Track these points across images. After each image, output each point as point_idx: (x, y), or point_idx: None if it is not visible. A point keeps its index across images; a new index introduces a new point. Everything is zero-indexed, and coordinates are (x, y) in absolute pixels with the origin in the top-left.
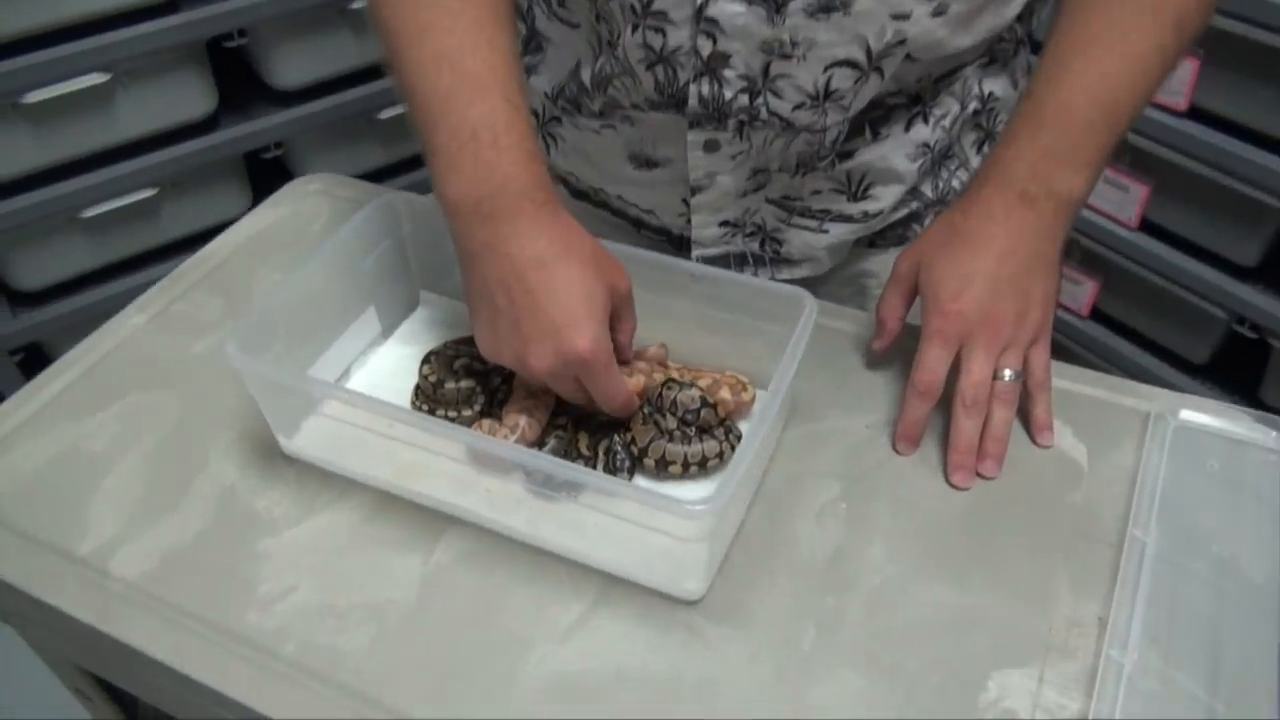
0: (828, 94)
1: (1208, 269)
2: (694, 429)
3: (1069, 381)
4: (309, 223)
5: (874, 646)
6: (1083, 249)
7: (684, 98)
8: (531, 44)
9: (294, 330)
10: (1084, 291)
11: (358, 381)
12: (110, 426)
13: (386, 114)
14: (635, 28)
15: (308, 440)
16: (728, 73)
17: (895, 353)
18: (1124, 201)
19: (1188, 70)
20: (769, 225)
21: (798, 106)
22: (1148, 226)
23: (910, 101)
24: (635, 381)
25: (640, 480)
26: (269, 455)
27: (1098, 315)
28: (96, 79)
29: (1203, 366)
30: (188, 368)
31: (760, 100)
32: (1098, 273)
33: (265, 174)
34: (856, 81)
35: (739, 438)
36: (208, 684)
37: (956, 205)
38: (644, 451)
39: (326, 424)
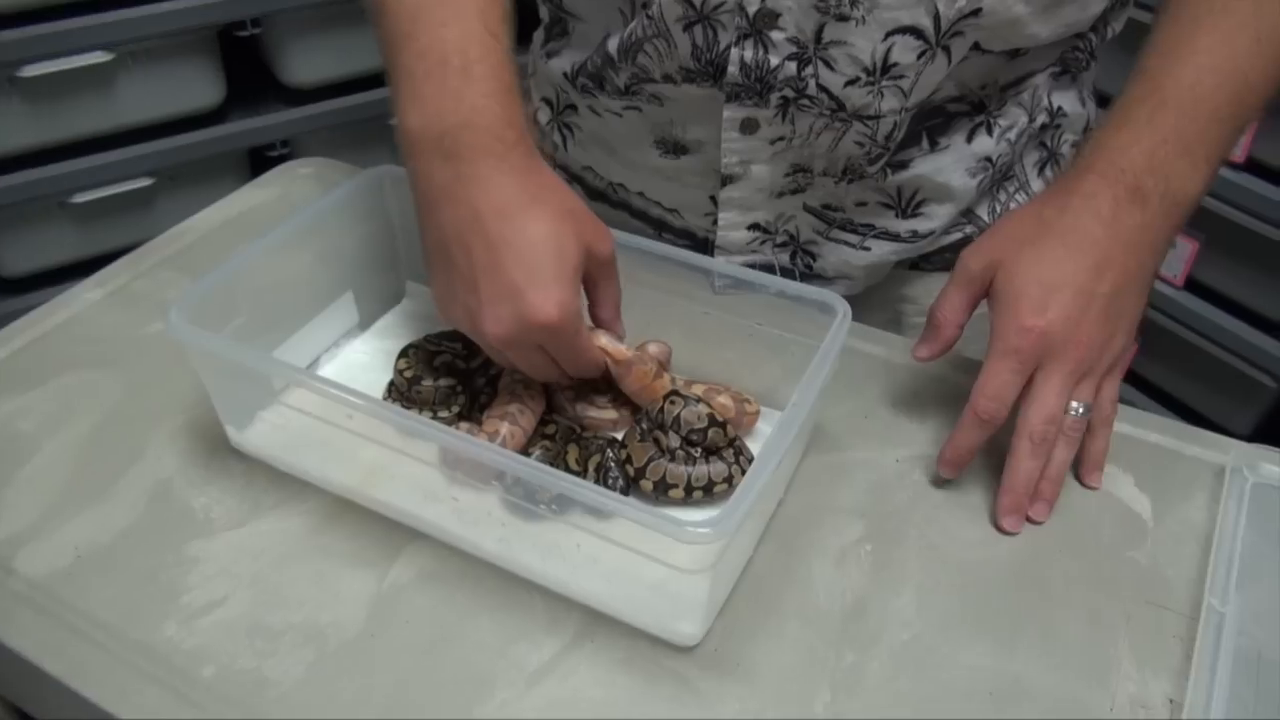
0: (886, 68)
1: (1257, 333)
2: (699, 449)
3: (1129, 425)
4: (296, 206)
5: (900, 715)
6: None
7: (723, 65)
8: (555, 29)
9: (255, 308)
10: None
11: (326, 374)
12: (43, 405)
13: None
14: None
15: (260, 434)
16: (775, 34)
17: (934, 382)
18: (1170, 258)
19: None
20: (803, 236)
21: (851, 82)
22: (1193, 285)
23: (973, 109)
24: (644, 370)
25: (635, 501)
26: (215, 448)
27: (1133, 378)
28: (99, 58)
29: (1245, 437)
30: (138, 348)
31: (810, 70)
32: (1137, 333)
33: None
34: (920, 57)
35: (750, 461)
36: (102, 707)
37: (1048, 195)
38: (641, 471)
39: (283, 416)
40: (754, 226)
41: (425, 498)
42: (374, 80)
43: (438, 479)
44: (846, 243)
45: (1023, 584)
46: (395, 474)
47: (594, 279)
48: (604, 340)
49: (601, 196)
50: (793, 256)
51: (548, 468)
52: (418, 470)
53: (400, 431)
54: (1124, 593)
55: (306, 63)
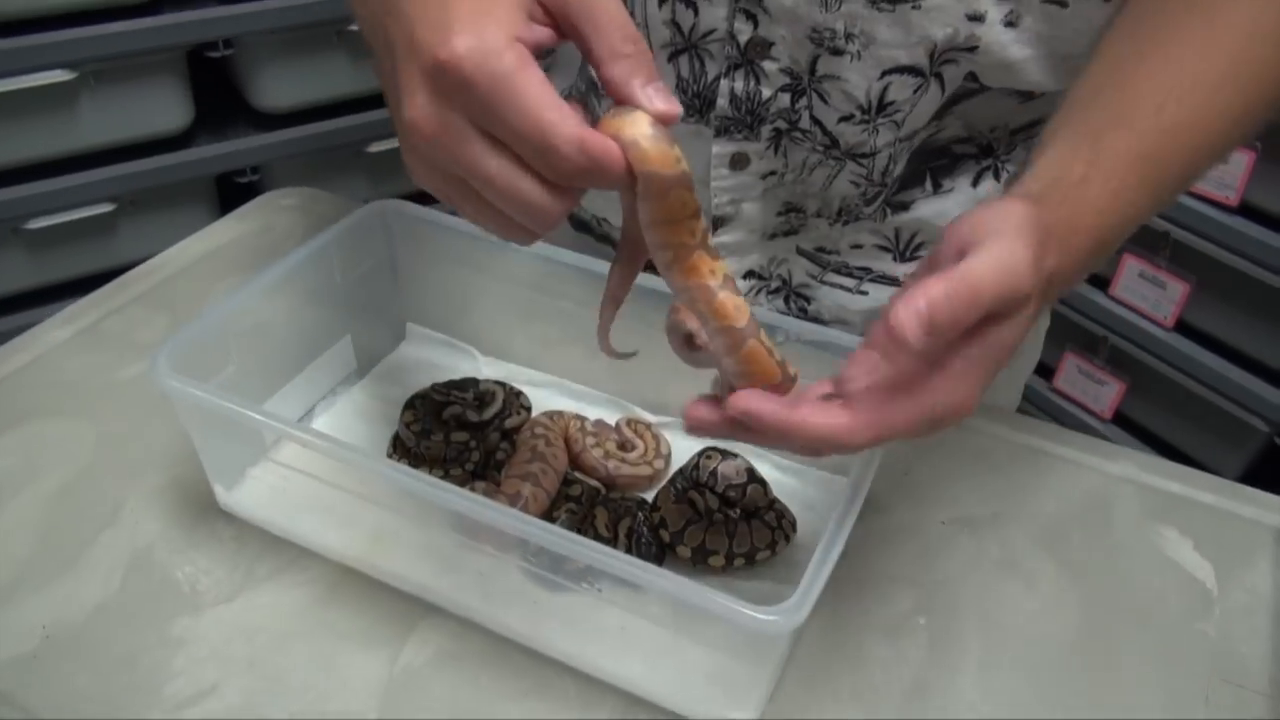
0: (881, 107)
1: (1248, 376)
2: (737, 509)
3: (1180, 484)
4: (281, 240)
5: None
6: (1111, 347)
7: (711, 98)
8: None
9: (247, 355)
10: (1108, 393)
11: (322, 425)
12: (4, 460)
13: (377, 147)
14: (662, 1)
15: (252, 493)
16: (768, 65)
17: (970, 434)
18: (1160, 299)
19: (1241, 164)
20: (796, 279)
21: (845, 118)
22: (1183, 327)
23: (981, 152)
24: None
25: (669, 572)
26: (201, 510)
27: (1121, 419)
28: (60, 76)
29: (1236, 481)
30: (112, 395)
31: (804, 102)
32: (1125, 374)
33: (238, 200)
34: (916, 91)
35: (793, 524)
36: None
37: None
38: (678, 536)
39: (277, 474)
40: (749, 275)
41: (440, 567)
42: (348, 105)
43: (456, 547)
44: (842, 286)
45: (1092, 660)
46: (405, 540)
47: (568, 13)
48: (633, 125)
49: (586, 228)
50: (786, 301)
51: (579, 537)
52: (430, 536)
53: (408, 494)
54: (1198, 670)
55: (279, 86)
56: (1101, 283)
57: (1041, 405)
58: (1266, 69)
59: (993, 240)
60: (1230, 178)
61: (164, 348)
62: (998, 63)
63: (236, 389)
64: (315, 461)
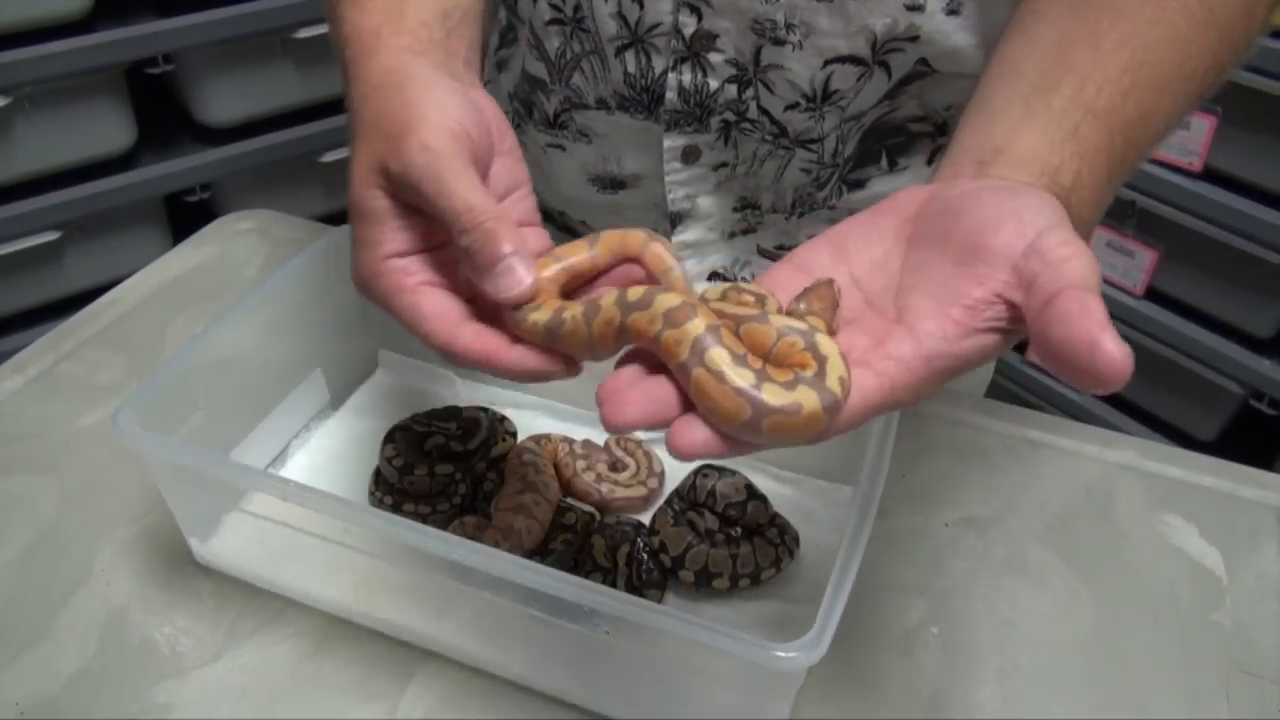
0: (826, 95)
1: (1221, 340)
2: (738, 528)
3: (1180, 469)
4: (240, 267)
5: None
6: None
7: (659, 93)
8: (508, 34)
9: (215, 398)
10: None
11: (298, 466)
12: None
13: (330, 156)
14: None
15: (229, 544)
16: (714, 57)
17: (966, 431)
18: (1129, 268)
19: (1203, 128)
20: None
21: (790, 107)
22: (1154, 295)
23: (937, 130)
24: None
25: (673, 598)
26: (176, 564)
27: None
28: None
29: (1212, 444)
30: (73, 446)
31: (750, 93)
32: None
33: (188, 220)
34: (859, 79)
35: (796, 540)
36: None
37: None
38: (679, 560)
39: (255, 524)
40: (714, 276)
41: (436, 611)
42: (297, 116)
43: (451, 589)
44: None
45: (1109, 660)
46: (396, 584)
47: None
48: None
49: (549, 218)
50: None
51: (580, 580)
52: (422, 579)
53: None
54: (1216, 663)
55: (224, 100)
56: None
57: (1016, 379)
58: (1222, 34)
59: (1073, 247)
60: (1193, 143)
61: (126, 401)
62: (942, 50)
63: (206, 437)
64: (292, 510)
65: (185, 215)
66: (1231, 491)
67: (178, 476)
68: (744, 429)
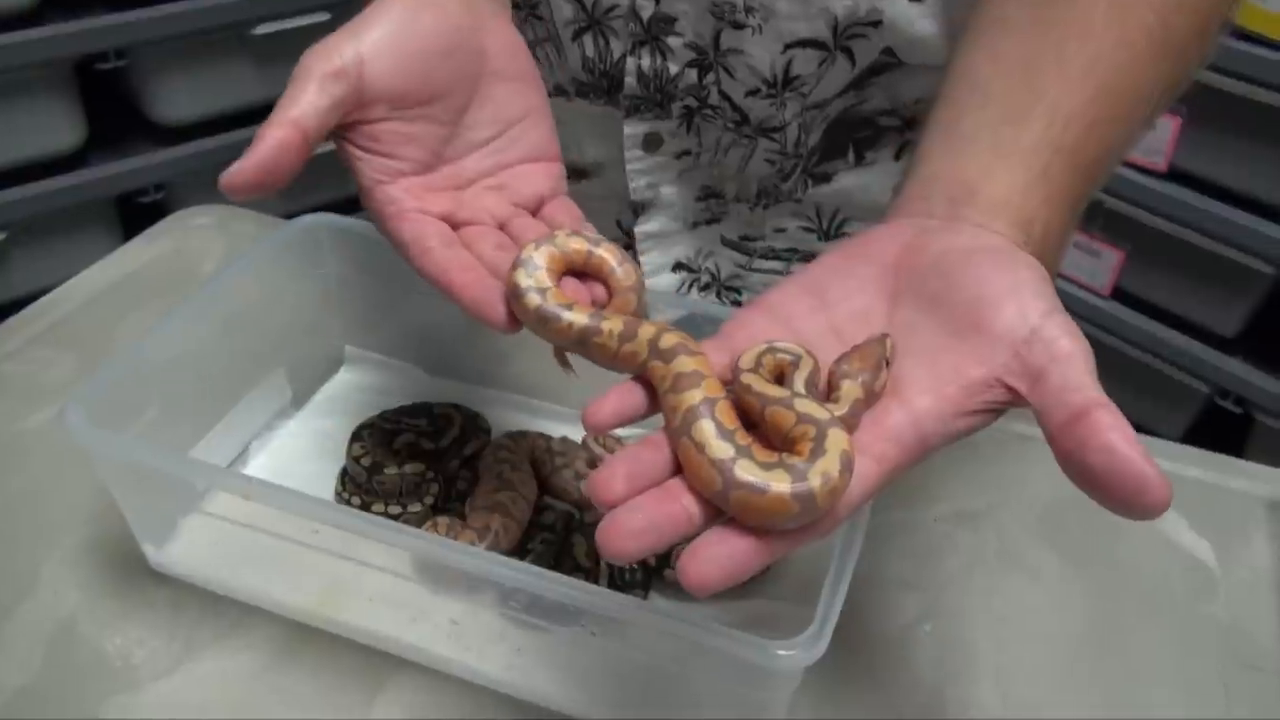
0: (787, 81)
1: (1187, 339)
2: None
3: (1167, 460)
4: (195, 263)
5: None
6: None
7: (618, 77)
8: None
9: (169, 396)
10: None
11: (259, 467)
12: None
13: None
14: None
15: (186, 549)
16: (673, 40)
17: None
18: (1096, 268)
19: (1168, 129)
20: (724, 273)
21: (751, 93)
22: (1120, 294)
23: (905, 125)
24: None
25: (657, 599)
26: (129, 571)
27: None
28: None
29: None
30: (18, 448)
31: (711, 78)
32: None
33: (142, 222)
34: (821, 64)
35: None
36: None
37: None
38: (663, 560)
39: (214, 526)
40: (679, 266)
41: (407, 616)
42: (257, 114)
43: (423, 593)
44: (773, 270)
45: (1106, 656)
46: (364, 588)
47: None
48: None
49: None
50: (718, 295)
51: (561, 576)
52: (393, 585)
53: (363, 539)
54: (1212, 655)
55: (178, 97)
56: None
57: None
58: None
59: (1073, 339)
60: (1158, 143)
61: (75, 396)
62: (906, 39)
63: (161, 435)
64: (253, 510)
65: (138, 217)
66: (1218, 483)
67: (130, 476)
68: (719, 500)
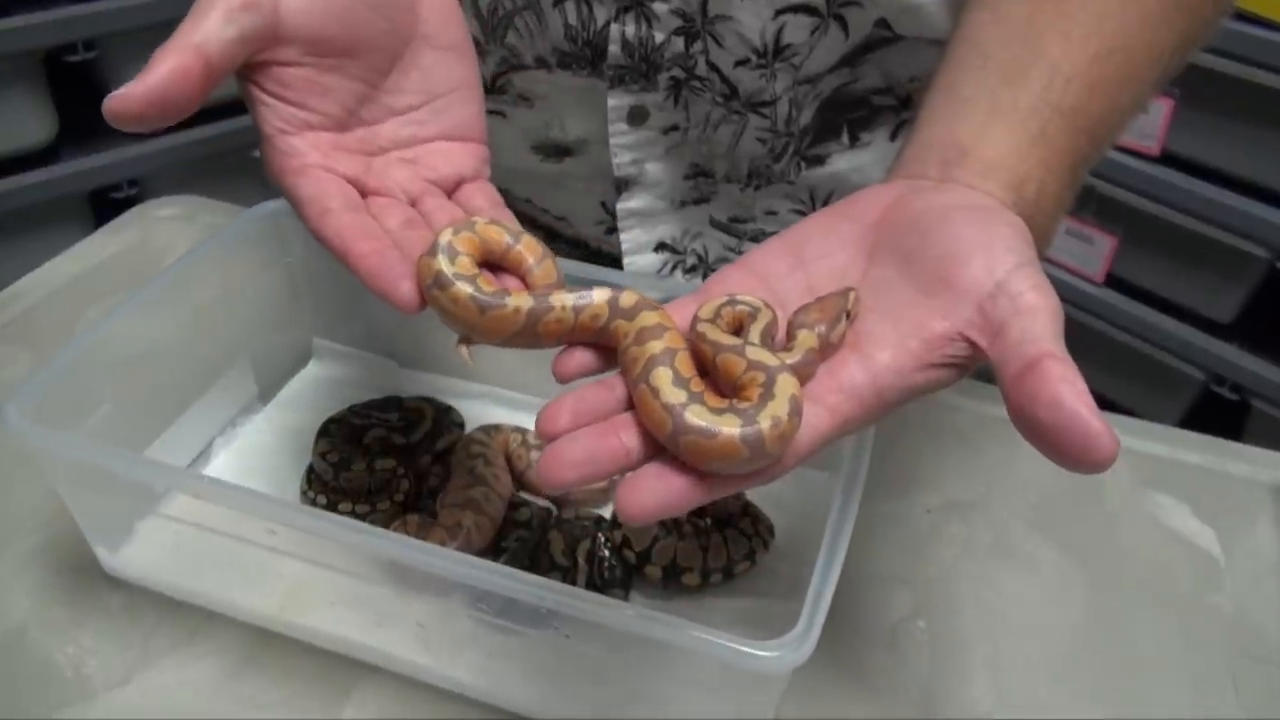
0: (778, 50)
1: (1182, 325)
2: (707, 519)
3: (1167, 446)
4: (160, 255)
5: None
6: None
7: (602, 46)
8: None
9: (124, 391)
10: None
11: (222, 466)
12: None
13: None
14: None
15: (142, 553)
16: (659, 6)
17: (942, 410)
18: (1089, 255)
19: (1161, 112)
20: (713, 255)
21: (741, 62)
22: (1114, 281)
23: (900, 104)
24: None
25: (639, 598)
26: (81, 577)
27: None
28: None
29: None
30: None
31: (699, 47)
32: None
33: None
34: (813, 33)
35: (771, 530)
36: None
37: None
38: (644, 556)
39: (172, 529)
40: (662, 247)
41: (374, 619)
42: (231, 108)
43: (391, 596)
44: None
45: (1108, 648)
46: (329, 591)
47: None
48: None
49: None
50: (704, 279)
51: (534, 577)
52: (360, 588)
53: (328, 541)
54: (1218, 647)
55: None
56: None
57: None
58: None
59: (1041, 292)
60: (1150, 127)
61: (16, 393)
62: (901, 8)
63: (113, 433)
64: (212, 511)
65: (112, 212)
66: (1220, 469)
67: (81, 478)
68: (670, 444)
